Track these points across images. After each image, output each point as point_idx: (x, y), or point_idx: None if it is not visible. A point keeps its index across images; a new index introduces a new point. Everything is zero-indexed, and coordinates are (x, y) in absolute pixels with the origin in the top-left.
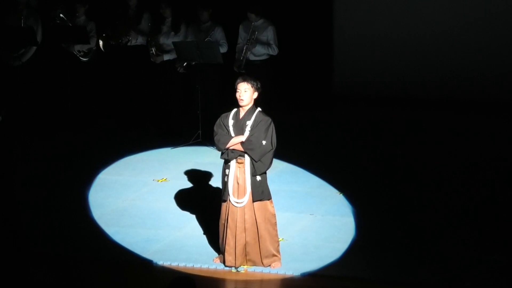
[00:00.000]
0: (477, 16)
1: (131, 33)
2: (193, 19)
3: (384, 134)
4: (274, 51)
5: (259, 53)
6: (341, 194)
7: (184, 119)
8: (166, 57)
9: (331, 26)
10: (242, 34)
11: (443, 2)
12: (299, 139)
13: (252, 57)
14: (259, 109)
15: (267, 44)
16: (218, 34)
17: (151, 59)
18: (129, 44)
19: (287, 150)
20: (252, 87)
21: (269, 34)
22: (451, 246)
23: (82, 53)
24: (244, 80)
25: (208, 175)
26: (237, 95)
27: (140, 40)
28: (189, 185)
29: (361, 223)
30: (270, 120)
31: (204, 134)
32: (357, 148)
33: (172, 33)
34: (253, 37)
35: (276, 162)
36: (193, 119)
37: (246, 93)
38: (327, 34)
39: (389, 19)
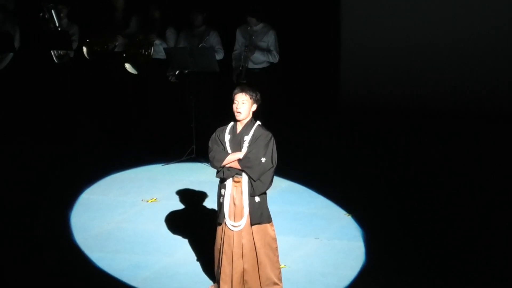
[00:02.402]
0: (485, 26)
1: (118, 38)
2: (185, 23)
3: (394, 147)
4: (274, 58)
5: (259, 60)
6: (349, 216)
7: (176, 133)
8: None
9: (338, 33)
10: (239, 40)
11: (451, 11)
12: (302, 154)
13: (251, 65)
14: (258, 122)
15: (267, 50)
16: (213, 39)
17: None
18: (116, 50)
19: (290, 167)
20: (250, 98)
21: (269, 39)
22: (472, 271)
23: (59, 55)
24: (242, 90)
25: (202, 195)
26: (234, 106)
27: None
28: (181, 206)
29: (372, 248)
30: (270, 135)
31: (199, 150)
32: (367, 164)
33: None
34: (251, 42)
35: (277, 180)
36: (187, 133)
37: (244, 105)
38: (333, 41)
39: (396, 28)
